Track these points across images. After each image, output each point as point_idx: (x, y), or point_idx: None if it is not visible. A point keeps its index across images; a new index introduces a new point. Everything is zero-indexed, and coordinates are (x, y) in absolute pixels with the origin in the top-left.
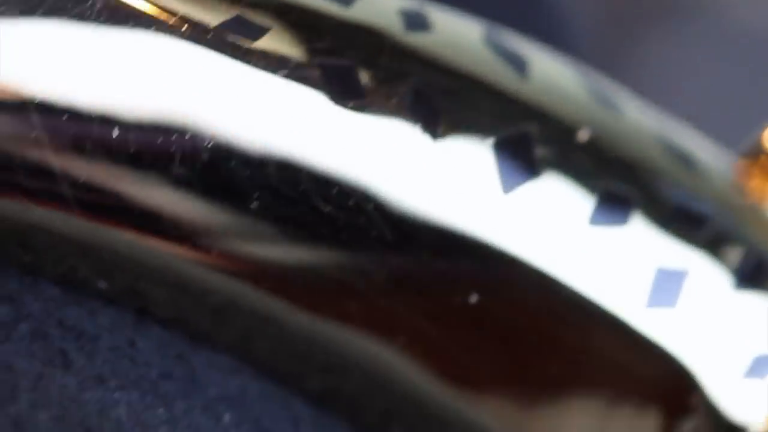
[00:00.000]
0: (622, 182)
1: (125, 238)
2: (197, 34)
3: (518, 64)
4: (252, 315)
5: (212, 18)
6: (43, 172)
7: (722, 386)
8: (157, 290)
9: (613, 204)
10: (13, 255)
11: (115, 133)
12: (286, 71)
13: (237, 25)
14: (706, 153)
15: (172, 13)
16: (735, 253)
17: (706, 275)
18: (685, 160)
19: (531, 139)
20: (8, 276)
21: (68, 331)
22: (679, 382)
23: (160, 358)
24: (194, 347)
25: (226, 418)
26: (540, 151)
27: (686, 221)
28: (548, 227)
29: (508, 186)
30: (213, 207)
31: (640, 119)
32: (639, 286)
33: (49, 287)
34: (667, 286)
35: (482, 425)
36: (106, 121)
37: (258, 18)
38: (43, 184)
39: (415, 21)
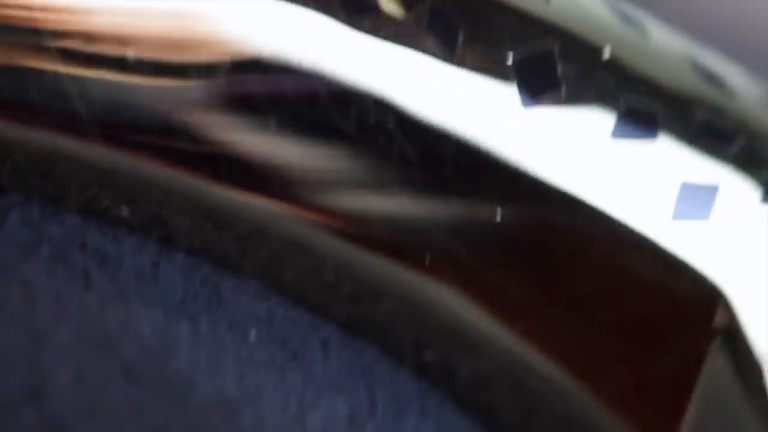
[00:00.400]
0: (647, 98)
1: (148, 165)
2: None
3: None
4: (279, 242)
5: None
6: (62, 97)
7: (754, 304)
8: (181, 218)
9: (637, 119)
10: (35, 186)
11: (130, 53)
12: None
13: None
14: (737, 76)
15: None
16: (766, 169)
17: (735, 190)
18: (713, 79)
19: (552, 56)
20: (30, 205)
21: (91, 254)
22: (710, 299)
23: (186, 282)
24: (220, 273)
25: (253, 336)
26: (562, 68)
27: (714, 137)
28: (569, 143)
29: (528, 102)
30: (232, 126)
31: (666, 40)
32: (665, 201)
33: (71, 216)
34: (694, 201)
35: (514, 348)
36: (117, 40)
37: None
38: (61, 111)
39: None
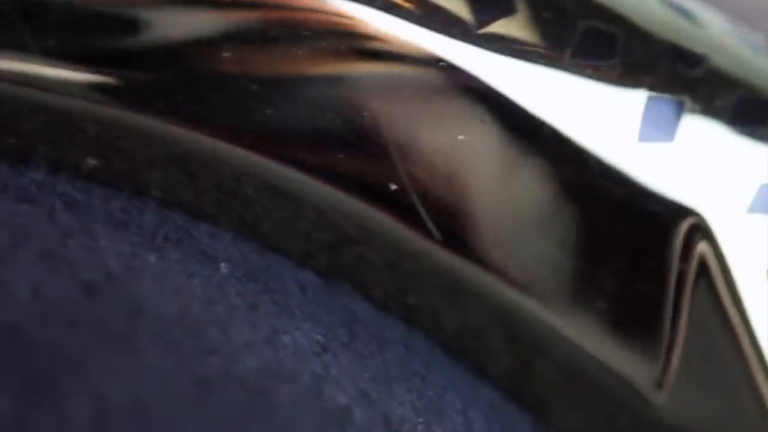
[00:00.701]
0: (607, 22)
1: (118, 113)
2: None
3: None
4: (256, 190)
5: None
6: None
7: (726, 222)
8: (153, 171)
9: (596, 42)
10: (3, 144)
11: None
12: None
13: None
14: (711, 13)
15: None
16: (731, 93)
17: (699, 112)
18: (682, 11)
19: None
20: None
21: (58, 197)
22: (686, 224)
23: (157, 225)
24: (195, 221)
25: (224, 268)
26: None
27: (678, 61)
28: (522, 64)
29: (481, 25)
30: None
31: None
32: (629, 121)
33: (40, 171)
34: (659, 122)
35: (509, 298)
36: None
37: None
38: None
39: None
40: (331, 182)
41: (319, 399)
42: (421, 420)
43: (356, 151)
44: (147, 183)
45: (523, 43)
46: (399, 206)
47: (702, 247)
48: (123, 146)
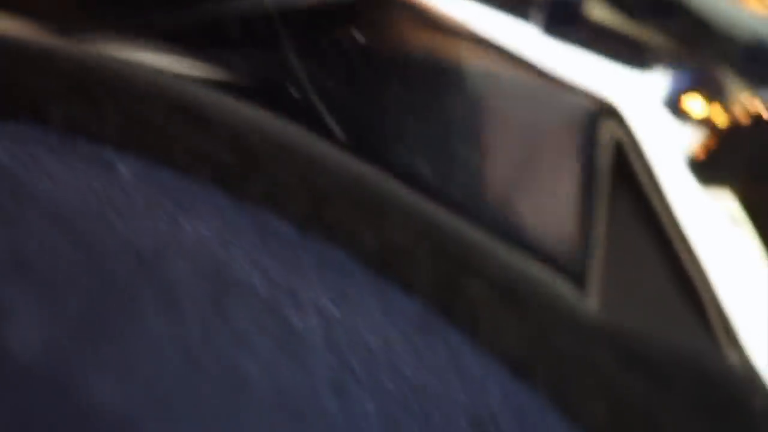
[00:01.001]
0: None
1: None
2: None
3: None
4: (166, 111)
5: None
6: None
7: (645, 113)
8: (56, 99)
9: None
10: None
11: None
12: None
13: None
14: None
15: None
16: None
17: (605, 6)
18: None
19: None
20: None
21: None
22: (600, 114)
23: (60, 143)
24: (102, 146)
25: (128, 176)
26: None
27: None
28: None
29: None
30: None
31: None
32: (534, 15)
33: None
34: (563, 15)
35: (431, 214)
36: None
37: None
38: None
39: None
40: (233, 90)
41: (218, 274)
42: (336, 308)
43: (253, 50)
44: (51, 115)
45: None
46: (304, 112)
47: (618, 135)
48: (23, 78)
